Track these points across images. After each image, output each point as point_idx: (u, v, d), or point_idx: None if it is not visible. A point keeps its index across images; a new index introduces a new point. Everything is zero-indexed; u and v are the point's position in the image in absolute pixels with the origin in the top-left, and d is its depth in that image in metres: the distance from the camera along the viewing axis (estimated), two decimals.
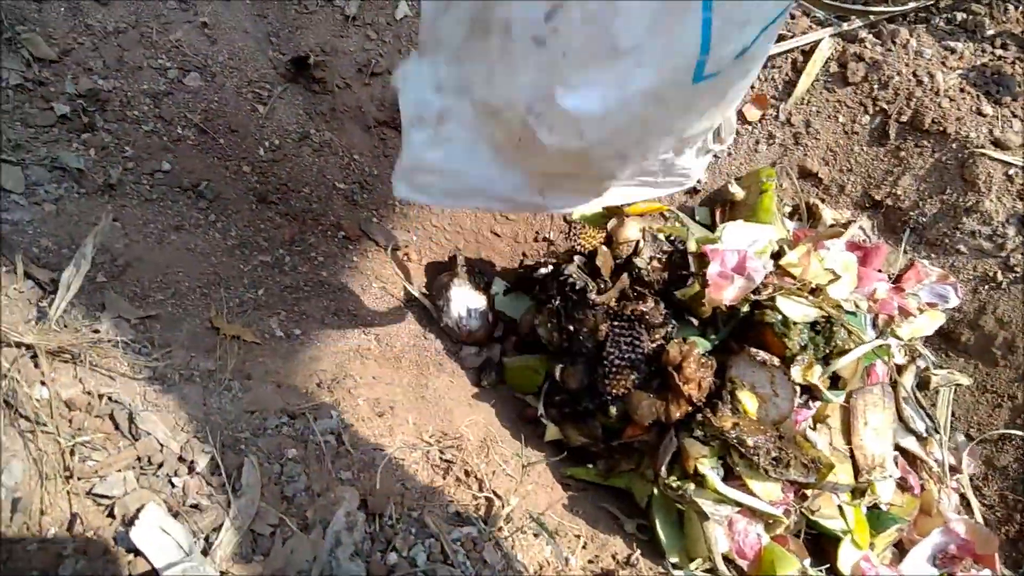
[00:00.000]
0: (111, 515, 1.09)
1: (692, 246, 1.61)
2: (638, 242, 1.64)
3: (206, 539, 1.11)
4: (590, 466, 1.64)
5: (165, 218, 1.64)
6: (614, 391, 1.53)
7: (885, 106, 1.86)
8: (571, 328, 1.62)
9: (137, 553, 1.06)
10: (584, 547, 1.38)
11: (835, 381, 1.56)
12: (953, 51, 1.88)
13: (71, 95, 1.63)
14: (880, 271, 1.80)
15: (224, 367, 1.37)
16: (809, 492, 1.49)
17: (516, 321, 1.93)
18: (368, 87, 1.89)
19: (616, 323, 1.56)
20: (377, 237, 1.96)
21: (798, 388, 1.47)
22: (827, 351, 1.51)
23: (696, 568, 1.45)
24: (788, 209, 1.94)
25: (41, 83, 1.61)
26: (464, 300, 1.85)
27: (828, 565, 1.54)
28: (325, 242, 1.88)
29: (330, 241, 1.89)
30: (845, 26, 1.87)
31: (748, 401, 1.45)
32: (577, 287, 1.62)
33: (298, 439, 1.29)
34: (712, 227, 1.85)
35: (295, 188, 1.85)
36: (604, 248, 1.64)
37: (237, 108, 1.80)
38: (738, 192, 1.85)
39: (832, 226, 1.85)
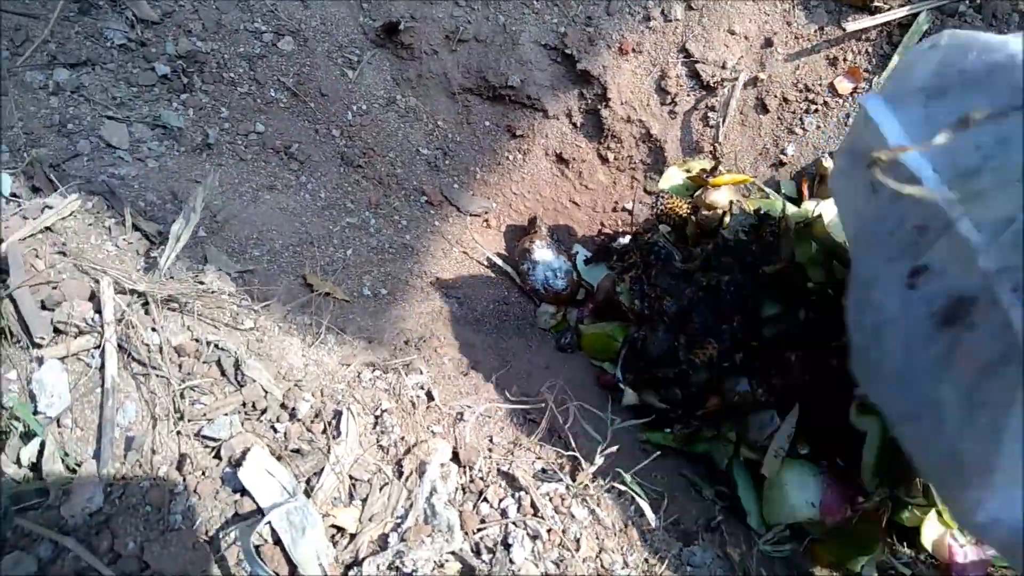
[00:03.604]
0: (218, 456, 1.14)
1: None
2: (725, 213, 1.64)
3: (307, 482, 1.15)
4: (668, 431, 1.65)
5: (259, 178, 1.69)
6: (697, 360, 1.54)
7: None
8: (653, 295, 1.63)
9: (243, 493, 1.10)
10: (665, 509, 1.39)
11: None
12: None
13: (171, 56, 1.68)
14: None
15: (320, 321, 1.41)
16: None
17: (593, 289, 1.94)
18: (455, 54, 1.91)
19: (700, 292, 1.57)
20: (458, 203, 1.99)
21: None
22: None
23: (776, 534, 1.45)
24: None
25: (143, 43, 1.67)
26: (548, 261, 1.87)
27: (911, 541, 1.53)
28: (408, 206, 1.92)
29: (412, 205, 1.93)
30: None
31: None
32: (662, 254, 1.62)
33: (391, 393, 1.33)
34: (798, 201, 1.83)
35: (380, 152, 1.89)
36: (693, 218, 1.64)
37: (327, 72, 1.83)
38: (831, 166, 1.82)
39: None
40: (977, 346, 0.80)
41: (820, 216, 1.47)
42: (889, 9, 1.82)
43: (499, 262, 1.96)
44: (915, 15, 1.82)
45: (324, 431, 1.21)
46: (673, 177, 1.78)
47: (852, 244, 1.09)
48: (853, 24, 1.79)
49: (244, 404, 1.20)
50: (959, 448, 0.86)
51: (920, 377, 0.90)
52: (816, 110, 1.88)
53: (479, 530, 1.17)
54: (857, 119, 1.03)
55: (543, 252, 1.87)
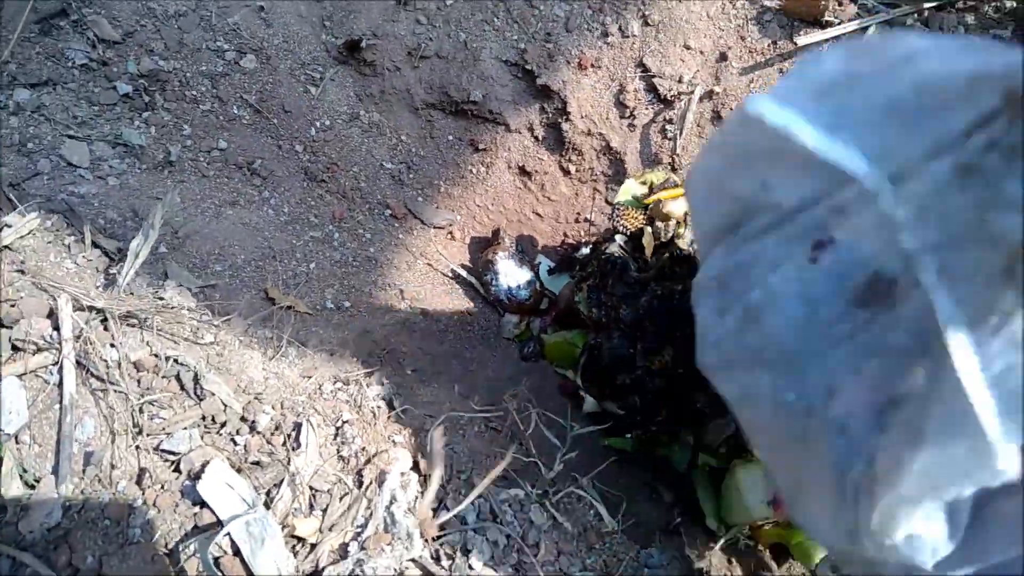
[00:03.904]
0: (177, 470, 1.15)
1: None
2: (679, 223, 1.67)
3: (267, 494, 1.16)
4: (628, 436, 1.67)
5: (221, 194, 1.71)
6: (652, 367, 1.57)
7: None
8: (609, 304, 1.66)
9: (203, 505, 1.11)
10: (624, 513, 1.41)
11: None
12: (1002, 39, 1.87)
13: (133, 75, 1.69)
14: None
15: (281, 335, 1.43)
16: None
17: (556, 298, 1.98)
18: (417, 70, 1.94)
19: (655, 300, 1.59)
20: (422, 216, 2.01)
21: None
22: None
23: (734, 534, 1.47)
24: None
25: (105, 63, 1.68)
26: (511, 272, 1.90)
27: None
28: (372, 220, 1.94)
29: (377, 219, 1.95)
30: (893, 14, 1.88)
31: None
32: (619, 264, 1.65)
33: (352, 404, 1.35)
34: None
35: (344, 167, 1.91)
36: (648, 228, 1.67)
37: (290, 89, 1.85)
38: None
39: None
40: (893, 330, 0.71)
41: None
42: (840, 24, 1.87)
43: (463, 274, 1.99)
44: (864, 29, 1.87)
45: (284, 443, 1.23)
46: (631, 189, 1.82)
47: (712, 238, 0.91)
48: (805, 38, 1.84)
49: (204, 418, 1.21)
50: (853, 456, 0.74)
51: (815, 360, 0.79)
52: None
53: (439, 537, 1.18)
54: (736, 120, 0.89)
55: (506, 263, 1.91)
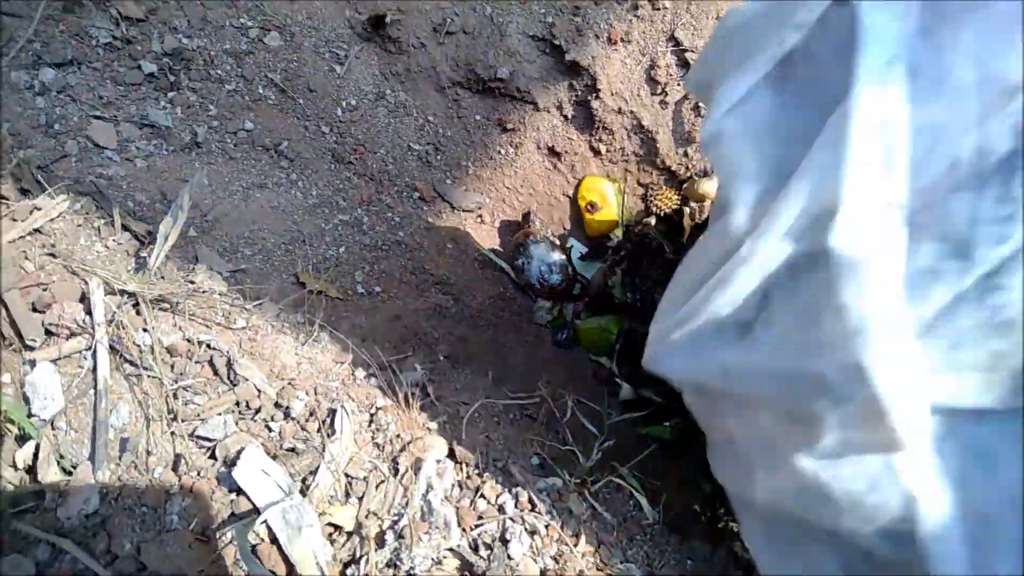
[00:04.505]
0: (212, 456, 1.14)
1: None
2: (713, 202, 1.64)
3: (303, 481, 1.15)
4: (666, 424, 1.65)
5: (249, 176, 1.68)
6: None
7: None
8: (644, 287, 1.63)
9: (239, 492, 1.10)
10: (664, 503, 1.39)
11: None
12: None
13: (157, 54, 1.67)
14: None
15: (312, 320, 1.41)
16: None
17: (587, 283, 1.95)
18: (442, 47, 1.90)
19: None
20: (451, 198, 1.98)
21: None
22: None
23: None
24: None
25: (129, 41, 1.65)
26: (543, 256, 1.87)
27: None
28: (400, 202, 1.91)
29: (405, 201, 1.92)
30: None
31: None
32: (653, 246, 1.62)
33: (386, 390, 1.33)
34: None
35: (371, 148, 1.88)
36: (686, 208, 1.64)
37: (315, 68, 1.82)
38: None
39: None
40: None
41: None
42: None
43: (494, 258, 1.96)
44: None
45: (319, 429, 1.21)
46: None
47: None
48: None
49: (238, 403, 1.20)
50: None
51: None
52: None
53: (477, 526, 1.16)
54: None
55: (537, 247, 1.87)
